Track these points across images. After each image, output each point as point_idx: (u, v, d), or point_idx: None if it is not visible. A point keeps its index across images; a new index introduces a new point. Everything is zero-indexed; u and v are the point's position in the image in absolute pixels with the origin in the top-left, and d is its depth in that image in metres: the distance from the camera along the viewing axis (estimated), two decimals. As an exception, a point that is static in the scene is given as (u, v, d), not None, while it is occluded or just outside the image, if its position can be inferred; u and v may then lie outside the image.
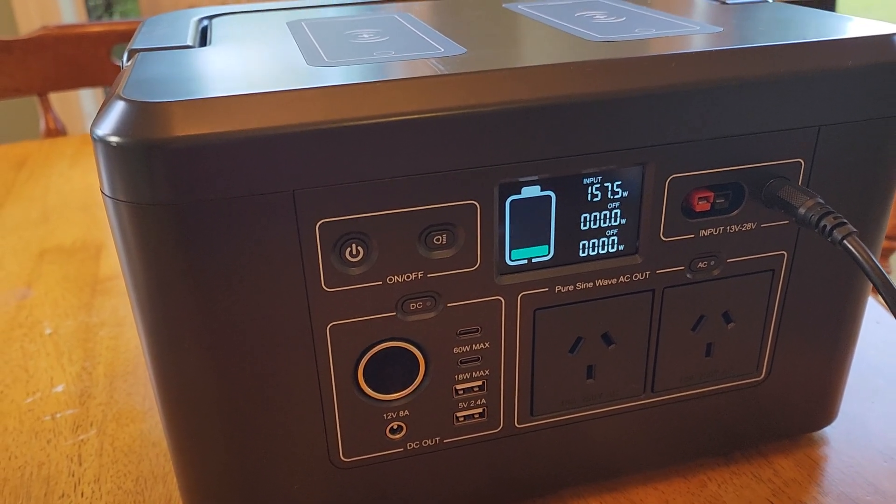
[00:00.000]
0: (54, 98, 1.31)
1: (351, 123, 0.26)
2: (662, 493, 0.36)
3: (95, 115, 0.26)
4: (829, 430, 0.40)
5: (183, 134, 0.24)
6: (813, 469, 0.38)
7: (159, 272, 0.27)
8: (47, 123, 1.08)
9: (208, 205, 0.25)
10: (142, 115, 0.25)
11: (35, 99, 1.11)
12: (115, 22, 1.19)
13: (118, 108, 0.25)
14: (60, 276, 0.60)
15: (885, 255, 0.92)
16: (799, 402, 0.37)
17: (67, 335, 0.52)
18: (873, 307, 0.50)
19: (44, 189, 0.78)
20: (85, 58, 1.05)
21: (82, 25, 1.06)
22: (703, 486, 0.37)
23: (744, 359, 0.35)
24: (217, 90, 0.26)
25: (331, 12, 0.42)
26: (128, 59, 0.32)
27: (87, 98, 1.91)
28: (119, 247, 0.27)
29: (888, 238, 0.92)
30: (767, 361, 0.35)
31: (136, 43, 0.34)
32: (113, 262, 0.61)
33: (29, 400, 0.45)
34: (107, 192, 0.26)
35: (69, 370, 0.48)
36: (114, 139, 0.25)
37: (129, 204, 0.26)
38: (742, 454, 0.39)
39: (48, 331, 0.52)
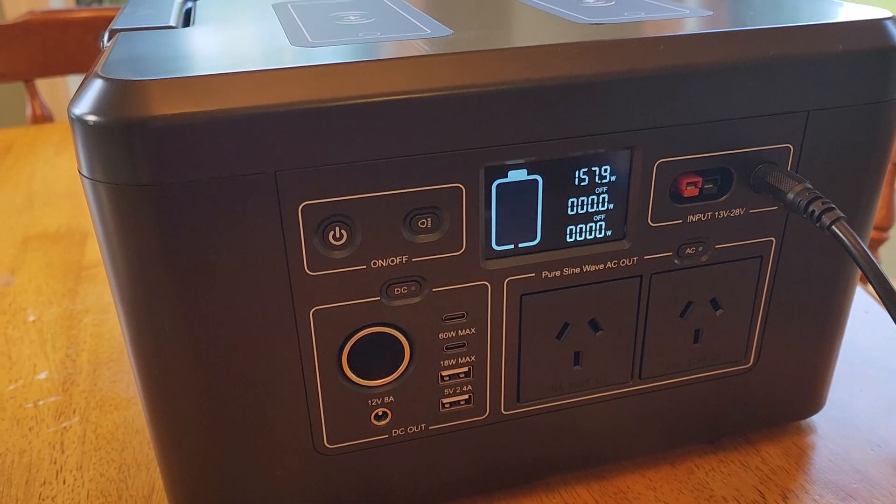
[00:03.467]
0: (41, 84, 1.30)
1: (334, 104, 0.25)
2: (650, 480, 0.36)
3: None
4: (816, 419, 0.40)
5: (162, 113, 0.24)
6: (800, 457, 0.38)
7: (138, 255, 0.26)
8: (34, 110, 1.07)
9: (188, 186, 0.25)
10: (120, 93, 0.24)
11: (21, 85, 1.10)
12: (104, 8, 1.18)
13: (96, 86, 0.25)
14: (44, 262, 0.59)
15: (874, 246, 0.92)
16: (787, 390, 0.37)
17: (51, 322, 0.51)
18: (861, 296, 0.50)
19: (29, 175, 0.77)
20: (72, 44, 1.04)
21: (70, 11, 1.05)
22: (690, 473, 0.37)
23: (732, 346, 0.35)
24: (198, 69, 0.25)
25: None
26: (108, 39, 0.32)
27: (75, 85, 1.89)
28: (97, 228, 0.27)
29: (877, 229, 0.92)
30: (755, 349, 0.35)
31: (117, 23, 0.33)
32: (98, 250, 0.61)
33: (11, 387, 0.45)
34: (85, 172, 0.25)
35: (52, 357, 0.47)
36: (91, 118, 0.24)
37: (107, 185, 0.25)
38: (730, 442, 0.38)
39: (31, 318, 0.52)
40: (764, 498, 0.35)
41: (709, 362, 0.35)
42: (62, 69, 1.05)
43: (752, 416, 0.38)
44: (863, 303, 0.49)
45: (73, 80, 1.83)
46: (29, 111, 1.08)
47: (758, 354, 0.35)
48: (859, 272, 0.35)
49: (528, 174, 0.29)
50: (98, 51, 1.03)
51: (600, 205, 0.30)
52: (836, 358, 0.38)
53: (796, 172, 0.31)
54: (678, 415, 0.36)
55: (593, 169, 0.29)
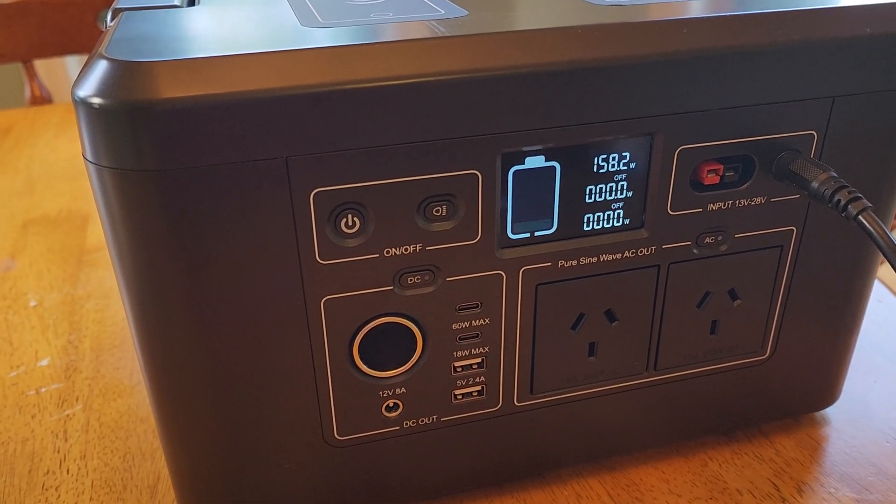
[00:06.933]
0: (39, 65, 1.29)
1: (347, 87, 0.24)
2: (663, 472, 0.36)
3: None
4: (831, 411, 0.39)
5: (170, 96, 0.23)
6: (815, 449, 0.37)
7: (145, 242, 0.25)
8: (32, 91, 1.06)
9: (197, 171, 0.24)
10: (126, 75, 0.23)
11: (20, 66, 1.08)
12: (102, -12, 1.16)
13: (101, 67, 0.24)
14: (45, 247, 0.58)
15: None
16: (803, 382, 0.37)
17: (53, 307, 0.50)
18: (875, 286, 0.49)
19: (29, 158, 0.76)
20: (71, 24, 1.02)
21: (68, -10, 1.04)
22: (704, 465, 0.36)
23: (749, 337, 0.34)
24: (206, 50, 0.25)
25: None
26: (112, 19, 0.31)
27: (74, 65, 1.87)
28: (102, 215, 0.26)
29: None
30: (772, 340, 0.35)
31: (120, 2, 0.32)
32: (99, 234, 0.60)
33: (13, 374, 0.44)
34: (89, 157, 0.25)
35: (54, 343, 0.47)
36: (96, 101, 0.23)
37: (112, 170, 0.24)
38: (744, 434, 0.38)
39: (33, 303, 0.51)
40: (778, 490, 0.35)
41: (725, 353, 0.34)
42: (61, 49, 1.04)
43: (767, 408, 0.37)
44: (876, 292, 0.49)
45: (72, 61, 1.81)
46: (28, 92, 1.07)
47: (774, 346, 0.35)
48: (878, 262, 0.35)
49: (546, 161, 0.28)
50: (98, 31, 1.02)
51: (619, 192, 0.29)
52: (853, 349, 0.37)
53: (819, 160, 0.30)
54: (693, 406, 0.35)
55: (612, 155, 0.29)
